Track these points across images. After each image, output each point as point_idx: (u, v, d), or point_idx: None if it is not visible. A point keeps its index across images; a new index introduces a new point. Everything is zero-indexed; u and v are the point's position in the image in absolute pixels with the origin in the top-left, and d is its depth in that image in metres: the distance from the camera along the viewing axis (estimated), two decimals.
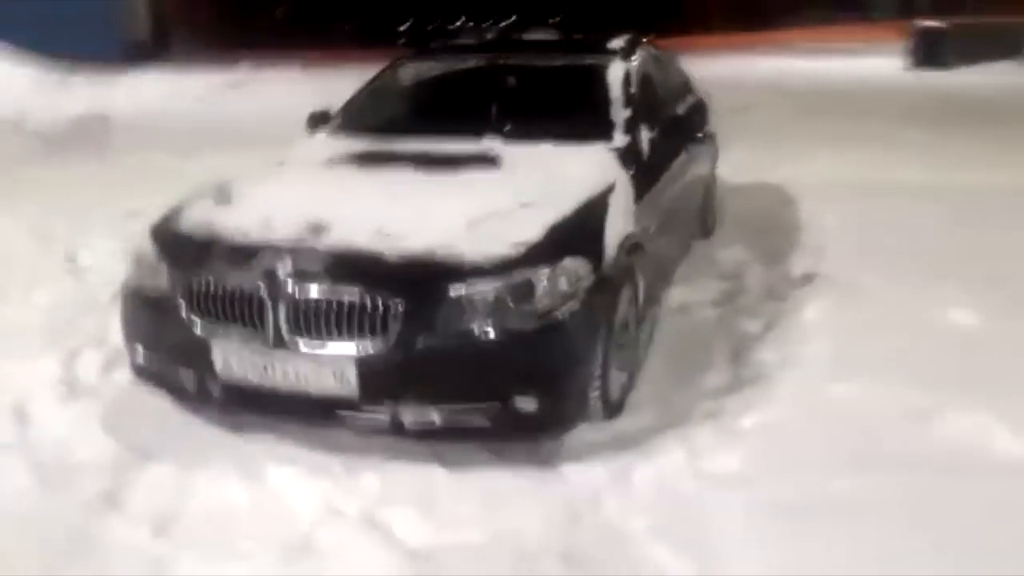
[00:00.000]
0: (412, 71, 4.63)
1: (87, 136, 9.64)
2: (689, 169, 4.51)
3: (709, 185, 5.36)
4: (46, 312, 4.09)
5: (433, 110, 4.33)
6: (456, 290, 2.57)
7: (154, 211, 3.25)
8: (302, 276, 2.64)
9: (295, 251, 2.70)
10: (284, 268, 2.66)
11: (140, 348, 3.02)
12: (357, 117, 4.25)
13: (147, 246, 3.08)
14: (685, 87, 5.21)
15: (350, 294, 2.60)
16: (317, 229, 2.78)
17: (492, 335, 2.56)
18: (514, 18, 28.01)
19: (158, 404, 3.02)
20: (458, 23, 32.33)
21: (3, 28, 17.60)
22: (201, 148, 8.46)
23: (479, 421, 2.60)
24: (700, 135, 4.87)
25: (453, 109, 4.21)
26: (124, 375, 3.20)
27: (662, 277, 4.01)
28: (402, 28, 34.49)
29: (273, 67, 17.38)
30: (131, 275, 3.12)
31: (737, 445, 2.72)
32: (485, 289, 2.58)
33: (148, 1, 23.40)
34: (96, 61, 17.73)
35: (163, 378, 2.97)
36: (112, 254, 4.50)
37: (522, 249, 2.68)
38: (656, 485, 2.53)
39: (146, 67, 18.47)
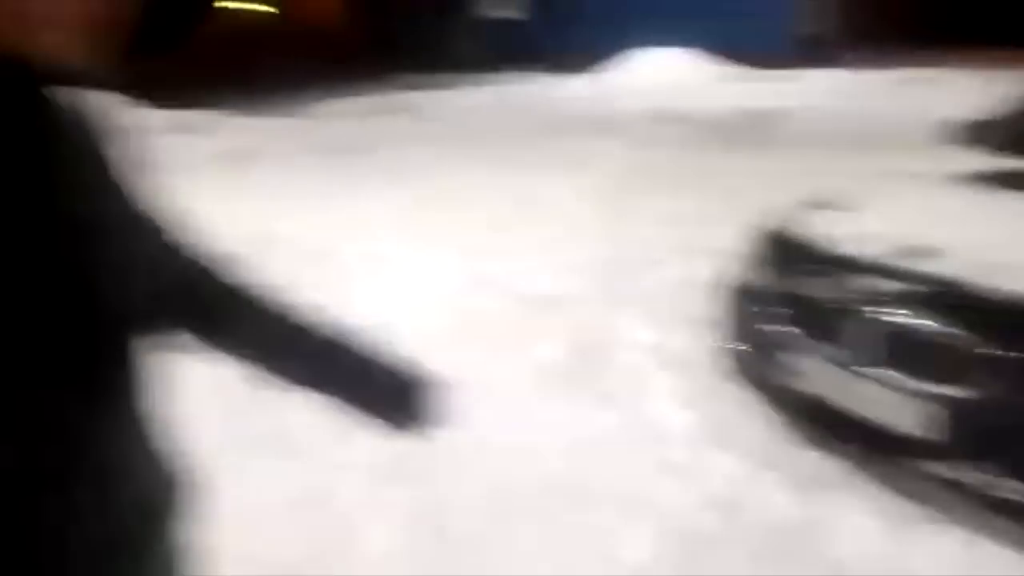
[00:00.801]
0: None
1: (747, 130, 10.39)
2: None
3: None
4: (676, 287, 4.57)
5: None
6: None
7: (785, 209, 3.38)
8: (894, 300, 2.48)
9: (890, 272, 2.54)
10: (875, 288, 2.53)
11: (734, 340, 3.23)
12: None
13: (753, 246, 3.25)
14: None
15: (948, 328, 2.34)
16: (922, 253, 2.56)
17: None
18: None
19: (743, 396, 3.17)
20: None
21: (685, 35, 19.87)
22: (852, 148, 8.37)
23: None
24: None
25: None
26: (723, 364, 3.42)
27: None
28: None
29: (944, 65, 15.97)
30: (740, 270, 3.34)
31: None
32: None
33: None
34: (774, 58, 18.80)
35: (748, 372, 3.12)
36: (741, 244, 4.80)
37: None
38: None
39: (822, 63, 18.87)
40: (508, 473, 2.79)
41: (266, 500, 2.55)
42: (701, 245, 5.43)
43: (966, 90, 12.35)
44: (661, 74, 18.40)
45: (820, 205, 3.24)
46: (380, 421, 1.01)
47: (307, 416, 1.33)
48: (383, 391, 1.01)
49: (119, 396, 0.72)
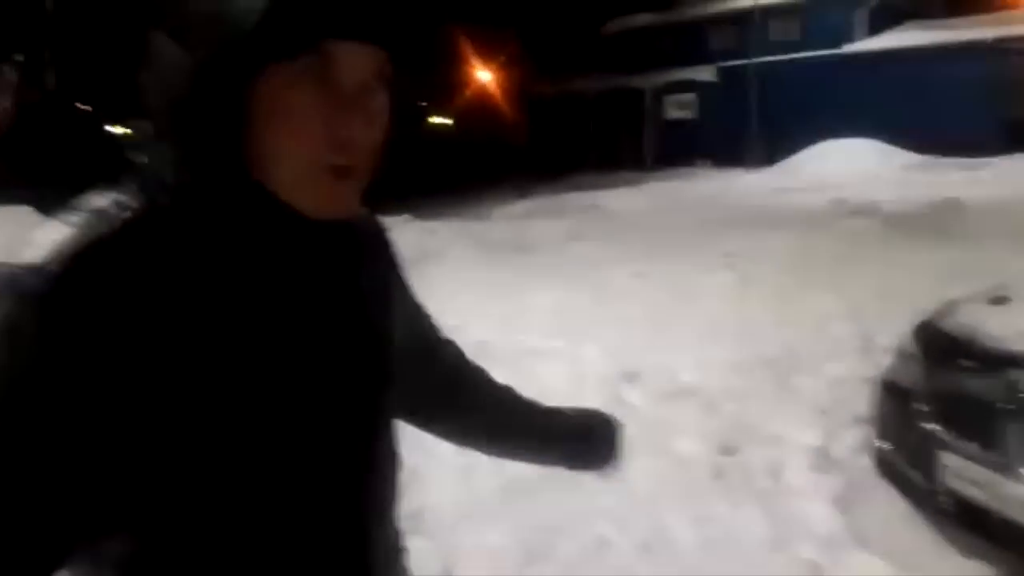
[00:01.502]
0: None
1: (937, 221, 9.85)
2: None
3: None
4: (828, 385, 4.47)
5: None
6: None
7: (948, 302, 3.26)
8: None
9: None
10: None
11: (883, 438, 3.10)
12: None
13: (908, 340, 3.13)
14: None
15: None
16: None
17: None
18: None
19: (888, 495, 3.03)
20: None
21: (876, 122, 19.20)
22: None
23: None
24: None
25: None
26: (870, 462, 3.30)
27: None
28: None
29: None
30: (890, 367, 3.23)
31: None
32: None
33: None
34: (972, 144, 17.77)
35: (896, 472, 2.99)
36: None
37: None
38: None
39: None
40: (634, 563, 2.81)
41: None
42: (862, 342, 5.24)
43: None
44: (844, 165, 17.88)
45: (988, 299, 3.09)
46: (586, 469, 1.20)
47: None
48: (592, 447, 1.21)
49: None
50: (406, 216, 10.40)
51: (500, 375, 4.07)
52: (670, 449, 3.74)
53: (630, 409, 4.27)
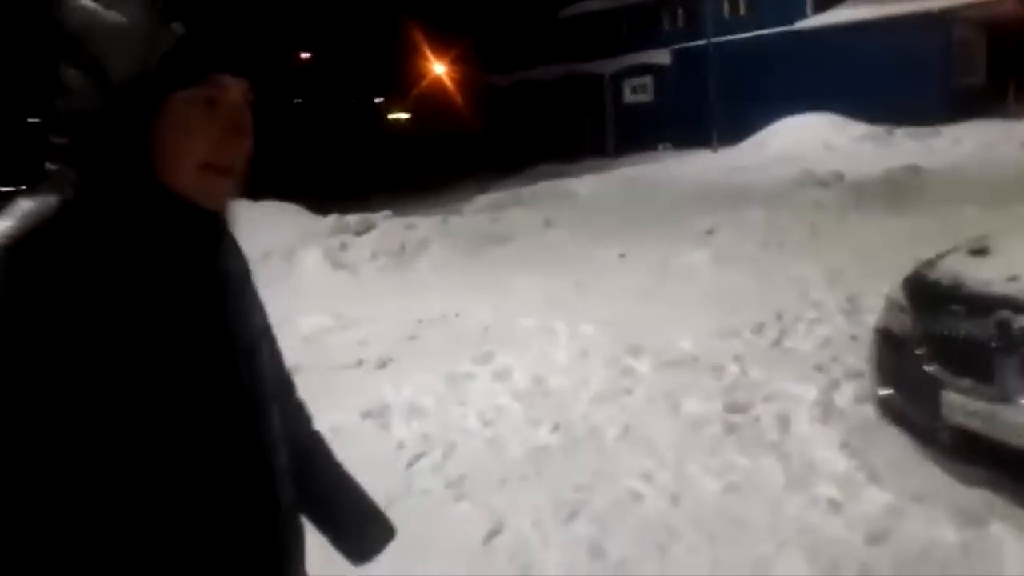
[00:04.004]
0: None
1: (897, 188, 10.25)
2: None
3: None
4: (819, 345, 4.76)
5: None
6: None
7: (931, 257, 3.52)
8: None
9: None
10: (1019, 323, 2.65)
11: (882, 384, 3.35)
12: None
13: (898, 292, 3.39)
14: None
15: None
16: None
17: None
18: None
19: (892, 437, 3.29)
20: None
21: (832, 100, 19.67)
22: (1015, 199, 8.14)
23: None
24: None
25: None
26: (871, 409, 3.56)
27: None
28: None
29: None
30: (881, 317, 3.49)
31: None
32: None
33: (985, 47, 22.84)
34: (922, 113, 18.32)
35: (898, 414, 3.24)
36: None
37: None
38: None
39: (974, 115, 18.23)
40: (666, 511, 3.04)
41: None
42: (845, 303, 5.54)
43: None
44: (804, 139, 18.31)
45: (969, 251, 3.36)
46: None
47: None
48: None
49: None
50: (385, 212, 10.54)
51: (512, 358, 4.31)
52: (683, 411, 3.97)
53: (640, 378, 4.50)
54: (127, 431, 0.89)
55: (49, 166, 0.94)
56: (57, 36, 0.93)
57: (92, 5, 0.90)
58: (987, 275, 2.99)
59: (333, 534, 1.25)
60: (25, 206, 0.90)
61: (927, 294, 3.20)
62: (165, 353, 0.92)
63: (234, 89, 0.94)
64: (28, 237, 0.86)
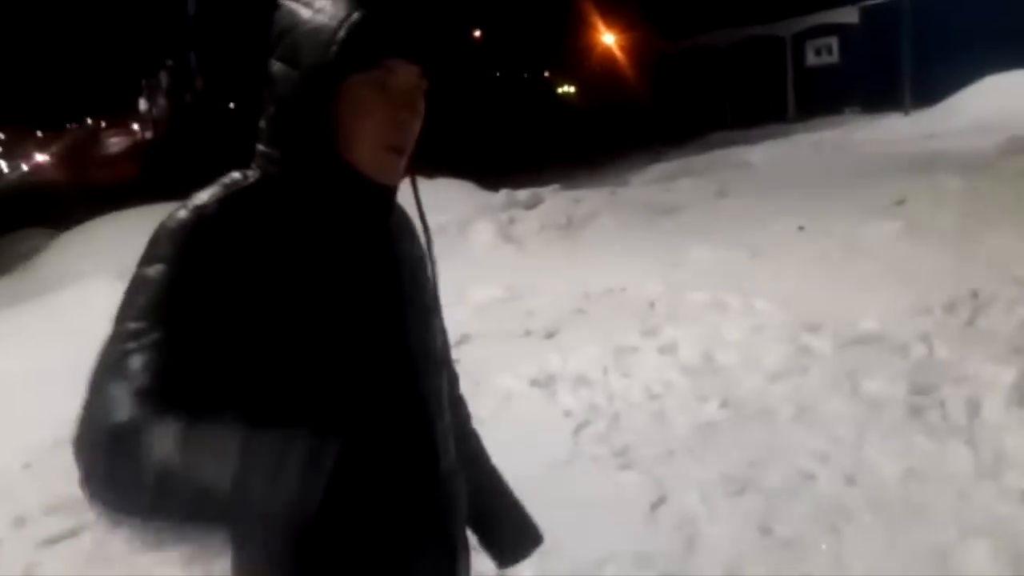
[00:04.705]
0: None
1: None
2: None
3: None
4: (1020, 325, 4.37)
5: None
6: None
7: None
8: None
9: None
10: None
11: None
12: None
13: None
14: None
15: None
16: None
17: None
18: None
19: None
20: None
21: None
22: None
23: None
24: None
25: None
26: None
27: None
28: None
29: None
30: None
31: None
32: None
33: None
34: None
35: None
36: None
37: None
38: None
39: None
40: (841, 492, 2.94)
41: None
42: None
43: None
44: (1012, 102, 16.57)
45: None
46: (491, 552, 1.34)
47: None
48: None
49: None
50: (553, 186, 10.65)
51: (680, 332, 4.30)
52: (863, 391, 3.81)
53: (817, 357, 4.34)
54: (298, 384, 1.01)
55: (258, 147, 1.08)
56: (268, 34, 1.07)
57: (295, 5, 1.04)
58: None
59: (483, 536, 1.31)
60: (232, 177, 1.06)
61: None
62: (338, 311, 1.03)
63: (404, 73, 1.04)
64: (225, 202, 1.01)
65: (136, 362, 0.89)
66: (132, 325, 0.93)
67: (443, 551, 1.17)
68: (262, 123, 1.07)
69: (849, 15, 24.18)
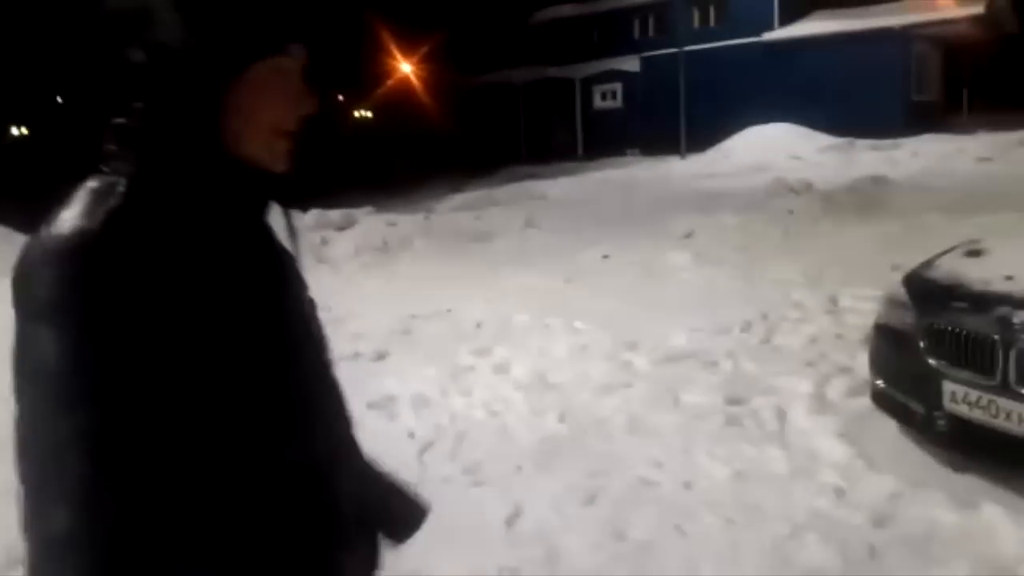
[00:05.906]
0: None
1: (864, 197, 10.58)
2: None
3: None
4: (807, 342, 4.93)
5: None
6: None
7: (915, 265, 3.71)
8: None
9: None
10: (1019, 318, 2.82)
11: (879, 376, 3.52)
12: None
13: (898, 290, 3.56)
14: None
15: None
16: None
17: None
18: None
19: (887, 427, 3.46)
20: None
21: (797, 112, 20.19)
22: (974, 208, 8.52)
23: None
24: None
25: None
26: (864, 401, 3.72)
27: None
28: None
29: None
30: (881, 314, 3.65)
31: None
32: None
33: (941, 64, 23.58)
34: (882, 126, 18.87)
35: (895, 405, 3.40)
36: (868, 300, 5.10)
37: None
38: None
39: (931, 129, 18.82)
40: (681, 496, 3.15)
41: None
42: (826, 304, 5.73)
43: None
44: (770, 149, 18.69)
45: (964, 253, 3.54)
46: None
47: None
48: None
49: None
50: (367, 208, 10.56)
51: (510, 352, 4.40)
52: (684, 403, 4.10)
53: (638, 372, 4.62)
54: (224, 395, 0.90)
55: (107, 146, 0.94)
56: (110, 19, 0.93)
57: None
58: (986, 275, 3.17)
59: (375, 519, 1.26)
60: (94, 186, 0.90)
61: (929, 292, 3.36)
62: (254, 314, 0.95)
63: (301, 57, 0.99)
64: (110, 218, 0.85)
65: (71, 458, 0.80)
66: (52, 409, 0.81)
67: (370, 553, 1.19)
68: (121, 120, 0.93)
69: (631, 64, 26.14)
